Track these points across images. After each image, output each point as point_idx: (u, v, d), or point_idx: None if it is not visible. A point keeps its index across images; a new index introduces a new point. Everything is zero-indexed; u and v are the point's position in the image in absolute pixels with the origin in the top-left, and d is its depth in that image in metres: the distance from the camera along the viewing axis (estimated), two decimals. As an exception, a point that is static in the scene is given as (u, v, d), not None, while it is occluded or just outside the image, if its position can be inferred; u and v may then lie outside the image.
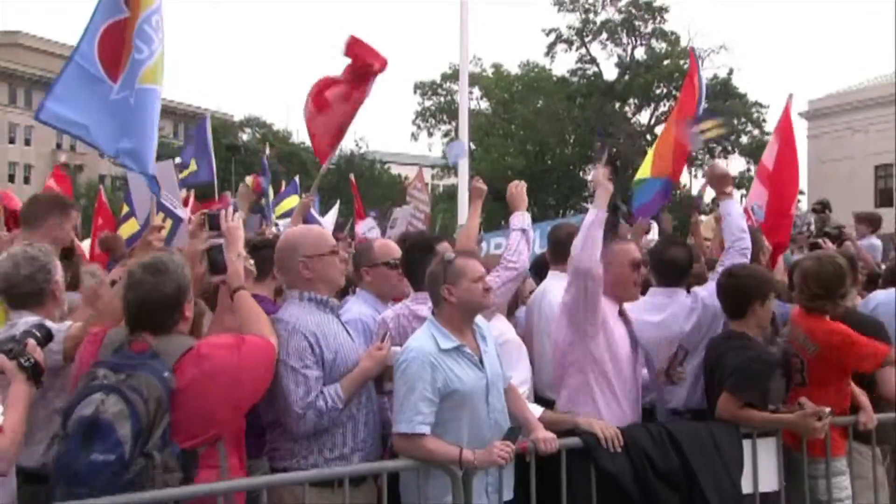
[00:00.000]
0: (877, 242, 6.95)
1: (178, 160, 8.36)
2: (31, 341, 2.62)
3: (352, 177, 14.96)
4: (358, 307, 3.80)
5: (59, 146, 49.17)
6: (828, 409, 3.51)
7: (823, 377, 3.76)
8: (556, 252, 4.16)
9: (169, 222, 3.55)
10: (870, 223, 7.43)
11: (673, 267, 4.00)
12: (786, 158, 5.78)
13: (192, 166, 8.44)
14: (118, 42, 3.89)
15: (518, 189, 4.07)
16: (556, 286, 3.94)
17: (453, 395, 3.04)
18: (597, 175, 3.65)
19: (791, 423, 3.56)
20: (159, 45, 3.93)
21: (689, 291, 3.97)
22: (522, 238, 3.83)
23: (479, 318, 3.28)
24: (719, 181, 4.17)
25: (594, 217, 3.47)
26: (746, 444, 3.53)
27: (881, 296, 4.45)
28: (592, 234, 3.43)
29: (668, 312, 3.84)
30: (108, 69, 3.91)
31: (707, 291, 3.86)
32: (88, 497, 2.36)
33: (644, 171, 6.48)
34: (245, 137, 45.80)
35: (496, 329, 3.54)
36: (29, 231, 3.84)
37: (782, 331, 4.05)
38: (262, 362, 2.87)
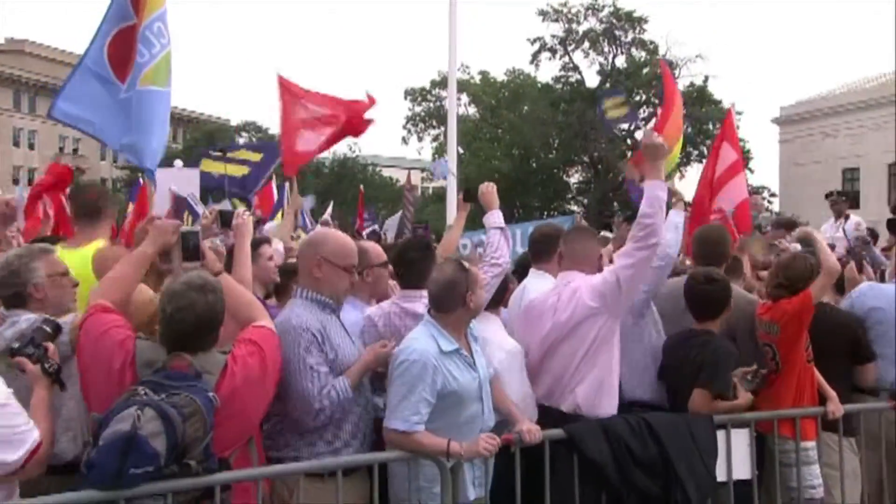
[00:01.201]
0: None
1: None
2: (52, 346, 2.62)
3: (361, 188, 15.76)
4: (347, 314, 3.72)
5: (61, 150, 49.52)
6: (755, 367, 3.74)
7: (793, 357, 3.94)
8: (537, 252, 4.25)
9: (190, 219, 3.90)
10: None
11: None
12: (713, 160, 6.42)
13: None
14: (127, 46, 4.07)
15: (489, 189, 4.16)
16: (536, 285, 4.04)
17: (450, 396, 3.15)
18: (649, 138, 3.63)
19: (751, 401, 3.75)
20: (161, 49, 4.09)
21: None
22: (501, 235, 3.93)
23: None
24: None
25: (657, 189, 3.52)
26: (720, 434, 3.67)
27: (863, 288, 4.58)
28: (663, 211, 3.52)
29: None
30: (117, 71, 4.11)
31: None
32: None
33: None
34: (241, 141, 45.65)
35: (496, 339, 3.65)
36: (90, 223, 3.83)
37: None
38: (277, 354, 2.93)
